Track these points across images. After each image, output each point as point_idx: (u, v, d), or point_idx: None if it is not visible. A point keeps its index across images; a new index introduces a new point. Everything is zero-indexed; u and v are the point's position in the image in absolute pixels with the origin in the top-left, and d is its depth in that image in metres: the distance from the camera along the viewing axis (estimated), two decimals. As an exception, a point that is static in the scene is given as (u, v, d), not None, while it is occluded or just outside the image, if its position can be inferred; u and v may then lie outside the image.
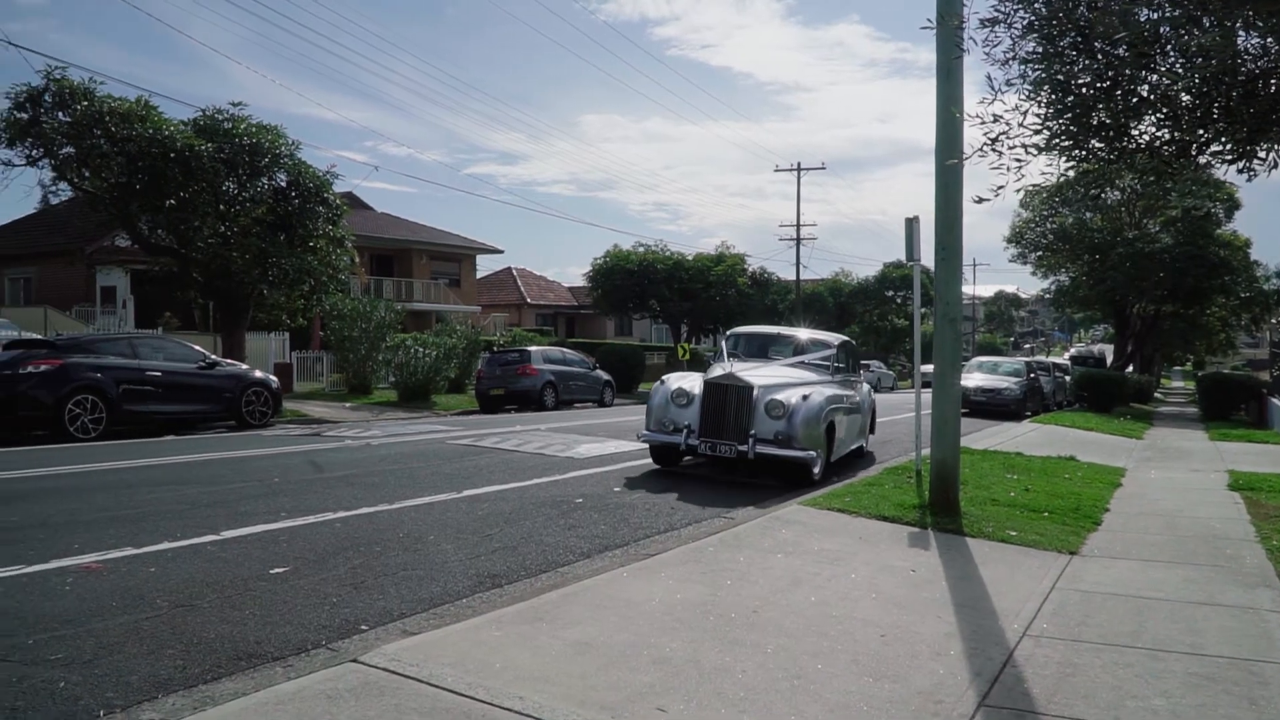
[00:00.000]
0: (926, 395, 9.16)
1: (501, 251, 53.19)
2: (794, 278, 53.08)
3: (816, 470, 10.05)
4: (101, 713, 3.44)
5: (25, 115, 17.68)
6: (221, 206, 20.18)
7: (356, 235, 26.17)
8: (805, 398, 10.01)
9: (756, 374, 10.60)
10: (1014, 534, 7.41)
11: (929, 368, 8.81)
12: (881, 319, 59.39)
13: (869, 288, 57.29)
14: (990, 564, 6.42)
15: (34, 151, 18.18)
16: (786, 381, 10.60)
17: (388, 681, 3.64)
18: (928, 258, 8.72)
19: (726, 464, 10.93)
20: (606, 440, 13.97)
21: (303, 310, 22.73)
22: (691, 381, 10.60)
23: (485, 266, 55.95)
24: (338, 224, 22.07)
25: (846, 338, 13.54)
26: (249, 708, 3.36)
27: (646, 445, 11.05)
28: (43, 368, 14.08)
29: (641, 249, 47.64)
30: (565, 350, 27.91)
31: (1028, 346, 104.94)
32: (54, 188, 20.03)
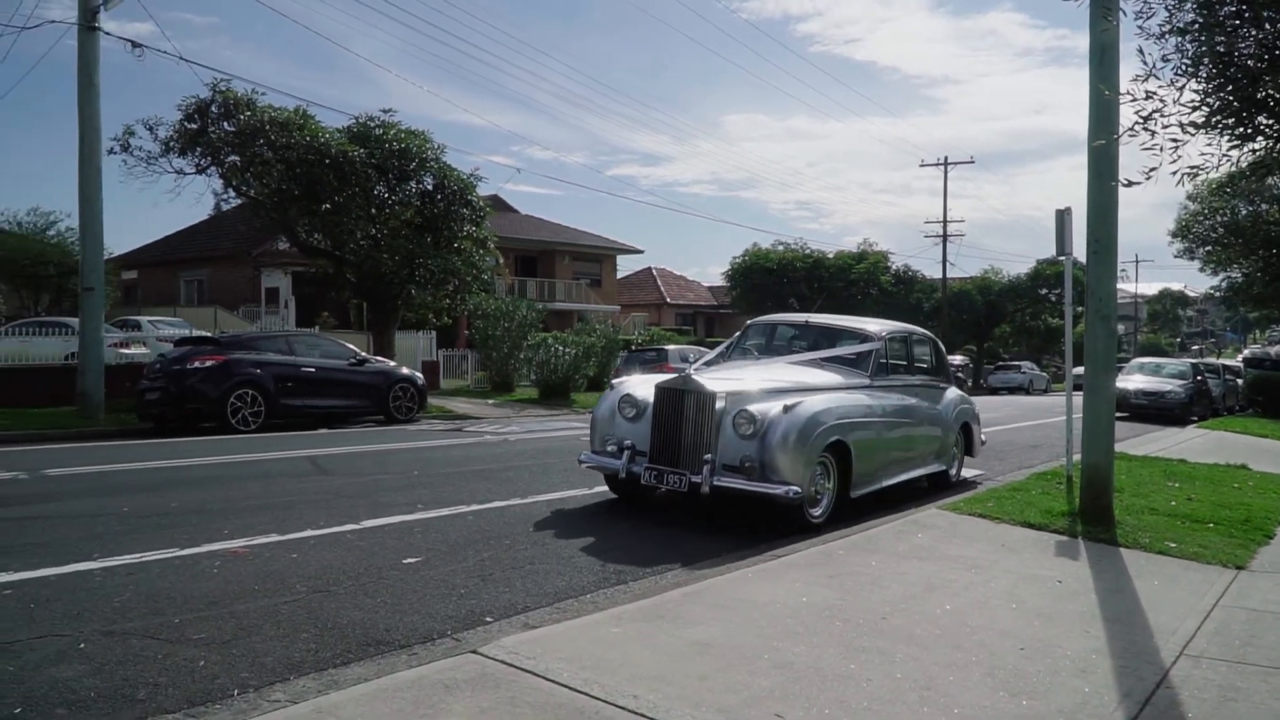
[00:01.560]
0: (1079, 399, 8.65)
1: (642, 251, 53.69)
2: (940, 275, 51.43)
3: (816, 513, 7.29)
4: (235, 691, 3.57)
5: (194, 126, 18.88)
6: (372, 210, 21.02)
7: (501, 237, 26.85)
8: (789, 408, 7.05)
9: (737, 374, 7.98)
10: (1173, 546, 6.89)
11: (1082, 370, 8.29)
12: (1034, 318, 56.76)
13: (1020, 285, 54.81)
14: (1145, 577, 5.99)
15: (202, 160, 19.40)
16: (780, 386, 7.68)
17: (504, 674, 3.65)
18: (1080, 252, 8.23)
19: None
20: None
21: (448, 309, 23.44)
22: (650, 386, 7.73)
23: (626, 266, 56.57)
24: (481, 225, 22.66)
25: (915, 330, 10.11)
26: (369, 693, 3.43)
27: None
28: (208, 363, 15.00)
29: (781, 247, 47.18)
30: (703, 349, 27.87)
31: (1195, 348, 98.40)
32: (225, 195, 21.26)
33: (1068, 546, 6.77)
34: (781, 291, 44.30)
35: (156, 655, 3.94)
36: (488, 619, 4.66)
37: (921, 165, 61.49)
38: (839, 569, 5.69)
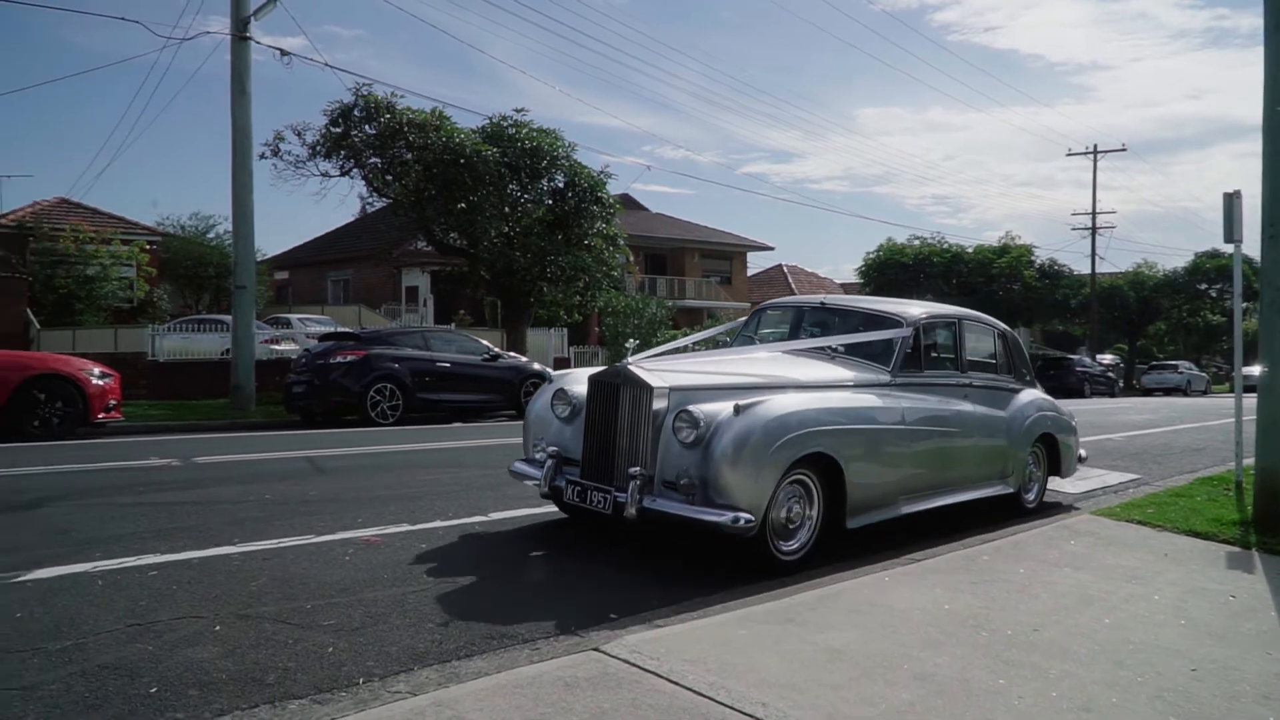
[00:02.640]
0: (1249, 400, 7.95)
1: (772, 248, 53.11)
2: (1088, 270, 48.95)
3: (789, 547, 5.55)
4: (360, 680, 3.56)
5: (338, 130, 19.63)
6: (505, 208, 21.40)
7: (631, 235, 26.95)
8: (743, 408, 5.23)
9: (701, 366, 6.40)
10: (1366, 561, 6.22)
11: (1253, 370, 7.62)
12: (1192, 315, 53.38)
13: (1177, 280, 51.56)
14: (1335, 594, 5.40)
15: (346, 163, 20.14)
16: (747, 382, 5.81)
17: (626, 674, 3.52)
18: (1252, 240, 7.56)
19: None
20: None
21: (579, 306, 23.68)
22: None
23: (756, 264, 56.10)
24: (611, 223, 22.79)
25: (971, 315, 7.88)
26: (488, 688, 3.35)
27: None
28: (349, 358, 15.53)
29: (917, 242, 45.82)
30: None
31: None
32: (370, 198, 22.04)
33: (1240, 558, 6.19)
34: (918, 287, 43.00)
35: (287, 640, 3.98)
36: (613, 615, 4.54)
37: (1069, 154, 58.66)
38: (983, 575, 5.34)
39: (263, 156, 19.72)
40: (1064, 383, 34.54)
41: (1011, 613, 4.63)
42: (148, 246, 29.50)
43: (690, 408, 5.29)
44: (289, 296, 39.58)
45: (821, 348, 6.83)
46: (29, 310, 23.70)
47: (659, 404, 5.42)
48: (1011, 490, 7.67)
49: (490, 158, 20.04)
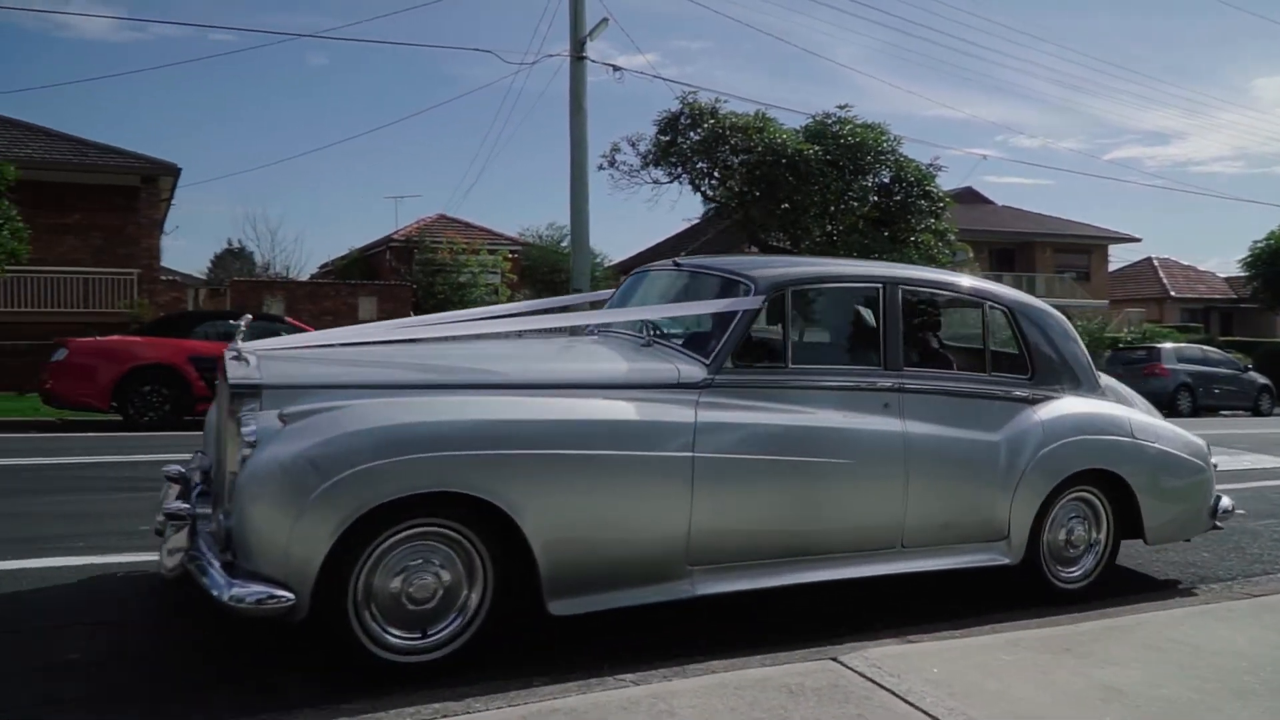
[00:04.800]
0: None
1: (1139, 240, 47.92)
2: None
3: (410, 642, 3.51)
4: (605, 667, 3.65)
5: (666, 138, 20.45)
6: (830, 207, 21.16)
7: (974, 230, 25.65)
8: (292, 417, 3.52)
9: (375, 355, 4.34)
10: None
11: None
12: None
13: None
14: None
15: (674, 169, 20.94)
16: (425, 378, 3.95)
17: (858, 687, 3.33)
18: None
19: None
20: (1243, 454, 11.68)
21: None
22: None
23: (1121, 257, 51.00)
24: (940, 218, 21.77)
25: (923, 277, 5.19)
26: (707, 686, 3.31)
27: None
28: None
29: (1323, 228, 39.24)
30: (1207, 349, 24.16)
31: None
32: (714, 201, 22.70)
33: None
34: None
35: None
36: (878, 625, 4.33)
37: None
38: (1338, 619, 4.46)
39: (600, 168, 21.04)
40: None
41: (1364, 667, 3.83)
42: (510, 255, 32.54)
43: (247, 413, 3.55)
44: (632, 300, 41.70)
45: (638, 330, 4.76)
46: (413, 313, 27.05)
47: (245, 407, 3.59)
48: (1008, 561, 4.71)
49: (812, 156, 19.92)
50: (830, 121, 21.16)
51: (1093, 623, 4.26)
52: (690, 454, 3.90)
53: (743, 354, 4.28)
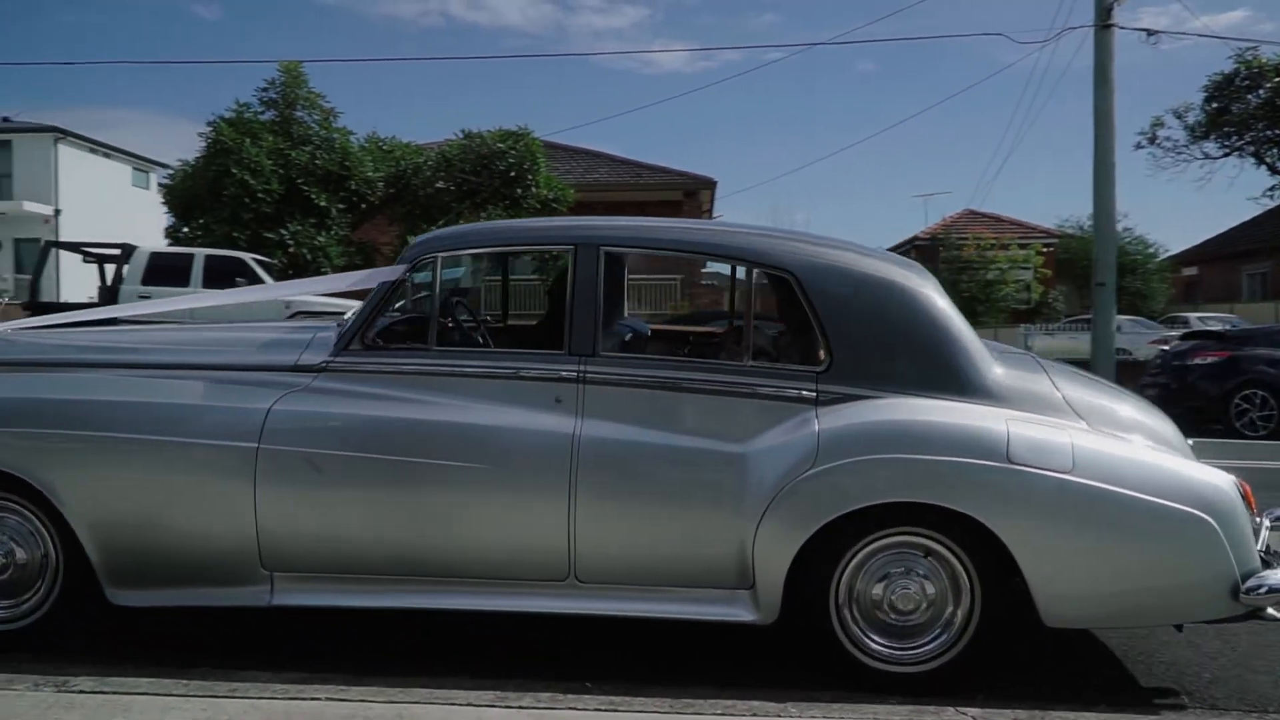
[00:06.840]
0: None
1: None
2: None
3: None
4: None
5: (1216, 105, 17.55)
6: None
7: None
8: None
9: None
10: None
11: None
12: None
13: None
14: None
15: (1229, 140, 17.92)
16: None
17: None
18: None
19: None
20: None
21: None
22: None
23: None
24: None
25: (641, 228, 4.01)
26: None
27: None
28: (1209, 359, 13.88)
29: None
30: None
31: None
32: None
33: None
34: None
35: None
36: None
37: None
38: None
39: (1139, 146, 18.85)
40: None
41: None
42: (1044, 249, 30.49)
43: None
44: (1197, 294, 36.67)
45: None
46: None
47: None
48: (753, 618, 3.40)
49: None
50: None
51: None
52: (254, 445, 3.51)
53: (389, 335, 3.88)
